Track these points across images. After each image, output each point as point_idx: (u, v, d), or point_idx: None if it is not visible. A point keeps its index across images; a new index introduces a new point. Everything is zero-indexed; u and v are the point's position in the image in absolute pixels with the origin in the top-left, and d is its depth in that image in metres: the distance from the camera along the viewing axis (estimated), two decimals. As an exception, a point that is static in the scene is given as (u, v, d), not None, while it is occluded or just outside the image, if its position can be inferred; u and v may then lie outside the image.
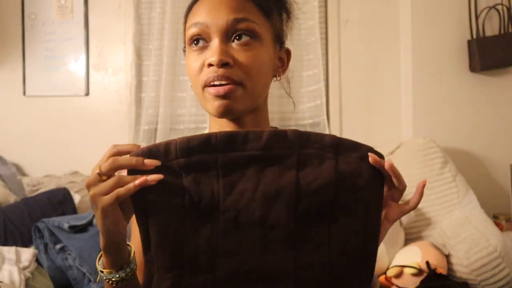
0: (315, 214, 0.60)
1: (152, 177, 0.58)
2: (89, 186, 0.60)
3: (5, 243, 1.75)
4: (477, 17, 2.39)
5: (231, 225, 0.59)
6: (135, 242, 0.72)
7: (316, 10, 2.49)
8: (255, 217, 0.59)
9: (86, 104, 2.63)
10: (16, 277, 1.35)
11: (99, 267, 0.67)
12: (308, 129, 2.54)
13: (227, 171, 0.59)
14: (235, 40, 0.71)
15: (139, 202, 0.59)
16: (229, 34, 0.72)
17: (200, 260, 0.59)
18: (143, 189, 0.58)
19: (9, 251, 1.45)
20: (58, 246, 1.66)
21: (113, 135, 2.59)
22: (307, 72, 2.53)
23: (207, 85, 0.70)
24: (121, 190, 0.58)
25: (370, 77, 2.55)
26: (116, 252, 0.64)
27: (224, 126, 0.77)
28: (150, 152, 0.59)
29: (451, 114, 2.44)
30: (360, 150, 0.61)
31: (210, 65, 0.70)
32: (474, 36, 2.38)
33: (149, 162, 0.58)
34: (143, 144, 2.51)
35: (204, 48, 0.73)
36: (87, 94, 2.63)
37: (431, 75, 2.44)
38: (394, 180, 0.63)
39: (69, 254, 1.64)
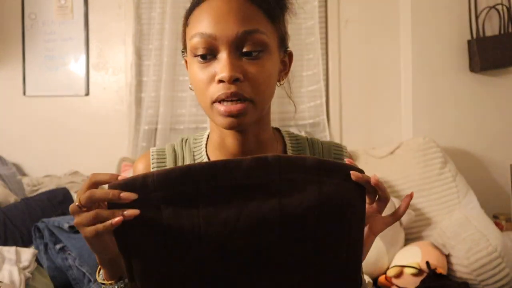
0: (301, 238, 0.60)
1: (129, 213, 0.56)
2: (72, 214, 0.60)
3: (5, 243, 1.75)
4: (477, 17, 2.39)
5: (215, 255, 0.59)
6: None
7: (316, 10, 2.49)
8: (239, 246, 0.58)
9: (86, 104, 2.63)
10: (16, 277, 1.35)
11: (99, 279, 0.68)
12: (308, 129, 2.54)
13: (208, 202, 0.58)
14: (245, 55, 0.69)
15: (120, 235, 0.58)
16: (238, 47, 0.68)
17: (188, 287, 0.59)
18: (123, 223, 0.57)
19: (9, 251, 1.45)
20: (58, 246, 1.66)
21: (113, 135, 2.59)
22: (307, 72, 2.53)
23: (217, 101, 0.68)
24: (99, 227, 0.57)
25: (370, 77, 2.55)
26: (112, 266, 0.65)
27: (226, 134, 0.76)
28: (126, 185, 0.57)
29: (451, 114, 2.44)
30: (341, 170, 0.61)
31: (220, 81, 0.67)
32: (474, 36, 2.38)
33: (125, 196, 0.57)
34: (143, 145, 2.53)
35: (210, 60, 0.69)
36: (87, 94, 2.63)
37: (431, 75, 2.44)
38: (380, 193, 0.64)
39: (69, 254, 1.64)
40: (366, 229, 0.66)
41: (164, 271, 0.59)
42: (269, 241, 0.59)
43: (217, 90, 0.68)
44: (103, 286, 0.68)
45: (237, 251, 0.59)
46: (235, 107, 0.67)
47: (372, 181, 0.62)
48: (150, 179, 0.57)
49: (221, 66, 0.67)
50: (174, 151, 0.83)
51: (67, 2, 2.61)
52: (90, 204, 0.58)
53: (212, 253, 0.59)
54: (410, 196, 0.66)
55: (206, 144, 0.82)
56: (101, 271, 0.68)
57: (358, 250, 0.63)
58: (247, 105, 0.68)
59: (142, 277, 0.59)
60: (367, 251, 0.67)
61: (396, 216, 0.67)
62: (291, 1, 0.79)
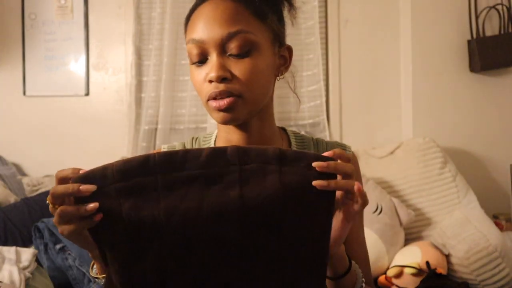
0: (264, 227, 0.59)
1: (89, 207, 0.57)
2: (51, 211, 0.62)
3: (5, 243, 1.75)
4: (477, 17, 2.39)
5: (178, 245, 0.59)
6: None
7: (316, 10, 2.49)
8: (202, 236, 0.58)
9: (86, 104, 2.63)
10: (16, 277, 1.35)
11: (92, 273, 0.71)
12: (308, 129, 2.54)
13: (167, 192, 0.58)
14: (232, 54, 0.73)
15: (91, 228, 0.59)
16: (225, 48, 0.73)
17: (149, 280, 0.59)
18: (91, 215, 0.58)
19: (9, 251, 1.45)
20: (58, 246, 1.66)
21: (113, 135, 2.59)
22: (307, 72, 2.53)
23: (209, 99, 0.74)
24: (81, 225, 0.58)
25: (370, 77, 2.55)
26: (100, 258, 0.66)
27: (231, 130, 0.81)
28: (86, 178, 0.57)
29: (451, 114, 2.44)
30: (305, 159, 0.59)
31: (210, 81, 0.73)
32: (474, 36, 2.38)
33: (84, 188, 0.57)
34: (143, 145, 2.53)
35: (203, 62, 0.76)
36: (87, 94, 2.63)
37: (431, 75, 2.44)
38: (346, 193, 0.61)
39: (69, 254, 1.64)
40: (337, 217, 0.63)
41: (128, 264, 0.59)
42: (231, 231, 0.59)
43: (209, 89, 0.74)
44: (96, 280, 0.70)
45: (200, 242, 0.59)
46: (222, 102, 0.73)
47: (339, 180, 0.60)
48: (109, 170, 0.57)
49: (210, 67, 0.74)
50: (185, 148, 0.86)
51: (67, 2, 2.61)
52: (55, 200, 0.59)
53: (175, 245, 0.58)
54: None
55: (215, 142, 0.86)
56: (94, 266, 0.71)
57: (325, 240, 0.61)
58: (235, 100, 0.73)
59: (111, 267, 0.60)
60: (341, 239, 0.65)
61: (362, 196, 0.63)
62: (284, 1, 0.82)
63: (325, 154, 0.60)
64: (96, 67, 2.63)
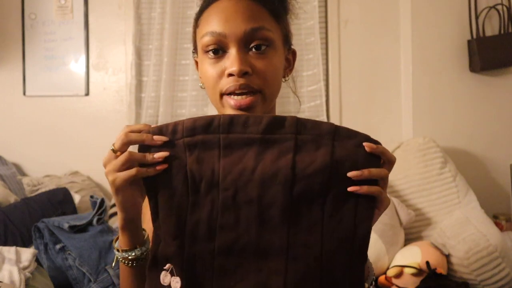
0: (309, 196, 0.62)
1: (159, 154, 0.62)
2: (105, 165, 0.65)
3: (5, 243, 1.75)
4: (477, 17, 2.39)
5: (230, 202, 0.63)
6: (146, 226, 0.76)
7: (316, 10, 2.49)
8: (252, 196, 0.62)
9: (86, 104, 2.63)
10: (16, 277, 1.35)
11: (116, 246, 0.72)
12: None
13: (227, 151, 0.63)
14: (253, 49, 0.73)
15: (148, 177, 0.64)
16: (246, 43, 0.73)
17: (201, 231, 0.63)
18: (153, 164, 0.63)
19: (9, 251, 1.45)
20: (58, 246, 1.66)
21: (113, 135, 2.56)
22: (307, 72, 2.53)
23: (226, 93, 0.73)
24: (140, 171, 0.62)
25: (370, 77, 2.55)
26: (132, 229, 0.69)
27: None
28: (159, 130, 0.64)
29: (451, 114, 2.44)
30: (356, 137, 0.63)
31: (230, 74, 0.72)
32: (474, 36, 2.38)
33: (158, 138, 0.63)
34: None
35: (221, 56, 0.74)
36: (87, 94, 2.63)
37: (431, 75, 2.44)
38: (385, 158, 0.64)
39: (69, 254, 1.64)
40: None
41: (183, 214, 0.64)
42: (279, 195, 0.62)
43: (227, 83, 0.72)
44: (117, 253, 0.71)
45: (248, 202, 0.63)
46: (244, 100, 0.72)
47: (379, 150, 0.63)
48: (179, 126, 0.64)
49: (231, 61, 0.72)
50: None
51: (67, 2, 2.61)
52: (125, 147, 0.64)
53: (227, 202, 0.63)
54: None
55: None
56: (117, 241, 0.72)
57: (367, 220, 0.63)
58: (256, 98, 0.73)
59: (163, 217, 0.64)
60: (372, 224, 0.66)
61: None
62: (293, 3, 0.84)
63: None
64: (96, 67, 2.63)
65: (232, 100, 0.72)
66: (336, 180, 0.62)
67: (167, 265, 0.64)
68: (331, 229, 0.63)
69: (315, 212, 0.63)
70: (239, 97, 0.72)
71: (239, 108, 0.72)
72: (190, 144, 0.63)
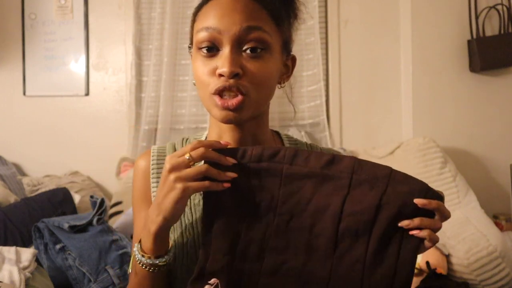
0: (354, 233, 0.66)
1: (230, 174, 0.66)
2: (173, 169, 0.65)
3: (5, 243, 1.75)
4: (477, 17, 2.39)
5: (283, 227, 0.67)
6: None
7: (316, 10, 2.50)
8: (305, 224, 0.67)
9: (86, 104, 2.63)
10: (16, 277, 1.35)
11: (137, 248, 0.71)
12: (308, 129, 2.54)
13: (288, 181, 0.67)
14: (247, 51, 0.71)
15: (211, 194, 0.68)
16: (240, 42, 0.71)
17: (252, 251, 0.67)
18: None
19: (9, 251, 1.45)
20: (58, 246, 1.66)
21: (113, 135, 2.59)
22: (307, 72, 2.53)
23: (215, 93, 0.71)
24: (213, 185, 0.65)
25: (370, 77, 2.55)
26: (165, 236, 0.69)
27: (225, 128, 0.78)
28: (231, 152, 0.68)
29: (451, 114, 2.44)
30: (411, 184, 0.66)
31: (220, 75, 0.70)
32: (474, 36, 2.38)
33: (230, 160, 0.67)
34: (143, 145, 2.53)
35: (214, 54, 0.72)
36: (87, 94, 2.63)
37: (431, 75, 2.44)
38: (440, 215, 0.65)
39: (69, 254, 1.64)
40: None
41: (238, 232, 0.67)
42: (326, 227, 0.66)
43: (216, 83, 0.71)
44: (141, 259, 0.70)
45: (300, 230, 0.67)
46: (231, 101, 0.70)
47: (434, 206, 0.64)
48: (249, 152, 0.68)
49: (223, 60, 0.70)
50: (175, 150, 0.84)
51: (67, 2, 2.61)
52: (201, 159, 0.66)
53: (279, 227, 0.67)
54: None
55: None
56: (140, 244, 0.71)
57: (409, 263, 0.65)
58: (244, 99, 0.70)
59: (218, 233, 0.67)
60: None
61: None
62: (300, 9, 0.83)
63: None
64: (96, 67, 2.63)
65: (219, 100, 0.70)
66: (382, 222, 0.65)
67: (213, 280, 0.66)
68: (372, 268, 0.65)
69: (358, 250, 0.65)
70: (227, 97, 0.70)
71: (226, 108, 0.70)
72: (255, 169, 0.68)
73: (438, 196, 0.66)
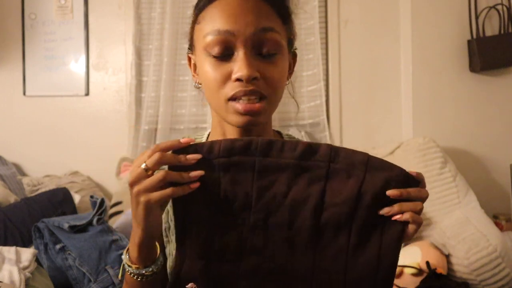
0: (336, 225, 0.63)
1: (195, 173, 0.60)
2: (133, 183, 0.61)
3: (5, 243, 1.75)
4: (477, 17, 2.39)
5: (260, 224, 0.63)
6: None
7: (316, 10, 2.49)
8: (283, 220, 0.63)
9: (86, 104, 2.63)
10: (16, 277, 1.35)
11: (125, 260, 0.68)
12: (308, 129, 2.54)
13: (262, 175, 0.63)
14: (261, 54, 0.69)
15: (179, 199, 0.63)
16: (254, 45, 0.68)
17: (229, 252, 0.64)
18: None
19: (9, 251, 1.45)
20: (58, 246, 1.66)
21: (113, 135, 2.59)
22: (307, 72, 2.53)
23: (233, 99, 0.68)
24: (177, 190, 0.60)
25: (370, 77, 2.55)
26: (150, 246, 0.66)
27: (231, 130, 0.76)
28: (195, 148, 0.63)
29: (451, 114, 2.44)
30: (388, 170, 0.63)
31: (237, 79, 0.67)
32: (474, 36, 2.38)
33: (192, 157, 0.61)
34: (143, 145, 2.53)
35: (226, 58, 0.69)
36: (87, 94, 2.63)
37: (431, 75, 2.44)
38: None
39: (69, 254, 1.64)
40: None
41: (212, 234, 0.63)
42: (307, 221, 0.63)
43: (234, 88, 0.68)
44: (129, 269, 0.67)
45: (278, 226, 0.63)
46: (253, 105, 0.68)
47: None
48: (217, 146, 0.63)
49: (239, 64, 0.67)
50: None
51: (67, 2, 2.61)
52: (158, 166, 0.60)
53: (256, 224, 0.63)
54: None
55: None
56: (128, 255, 0.68)
57: (392, 252, 0.63)
58: (264, 104, 0.69)
59: (191, 236, 0.63)
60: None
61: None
62: (294, 2, 0.80)
63: (412, 172, 0.64)
64: (96, 67, 2.63)
65: (239, 105, 0.67)
66: (363, 211, 0.63)
67: (190, 284, 0.64)
68: (355, 259, 0.63)
69: (341, 241, 0.63)
70: (247, 101, 0.67)
71: (248, 113, 0.67)
72: (225, 164, 0.62)
73: (415, 181, 0.65)
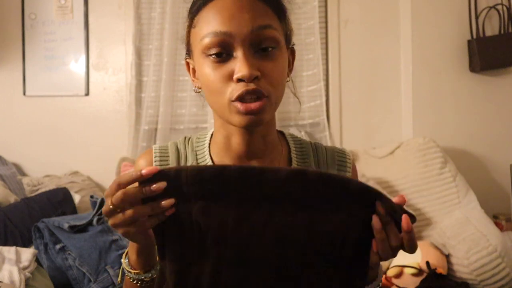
0: (322, 257, 0.59)
1: (166, 203, 0.58)
2: (106, 216, 0.60)
3: (5, 243, 1.75)
4: (477, 17, 2.39)
5: (237, 258, 0.59)
6: None
7: (316, 10, 2.49)
8: (263, 254, 0.59)
9: (86, 104, 2.63)
10: (16, 277, 1.35)
11: (125, 265, 0.70)
12: (308, 129, 2.54)
13: (239, 205, 0.58)
14: (260, 51, 0.68)
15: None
16: (253, 43, 0.68)
17: (204, 285, 0.60)
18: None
19: (9, 251, 1.45)
20: (58, 246, 1.66)
21: (113, 135, 2.59)
22: (307, 72, 2.53)
23: (236, 99, 0.67)
24: (150, 221, 0.59)
25: (370, 77, 2.55)
26: (148, 253, 0.68)
27: (235, 131, 0.75)
28: (160, 175, 0.58)
29: (451, 114, 2.45)
30: (370, 197, 0.58)
31: (239, 80, 0.66)
32: (474, 36, 2.38)
33: (157, 187, 0.57)
34: (143, 145, 2.53)
35: (225, 59, 0.68)
36: (87, 94, 2.63)
37: (431, 75, 2.44)
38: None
39: (69, 254, 1.64)
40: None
41: (185, 265, 0.60)
42: (292, 255, 0.59)
43: (236, 88, 0.67)
44: (128, 274, 0.70)
45: (259, 259, 0.59)
46: (254, 105, 0.67)
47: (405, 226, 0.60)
48: (184, 173, 0.57)
49: (239, 64, 0.66)
50: (177, 149, 0.81)
51: (67, 2, 2.61)
52: (123, 204, 0.58)
53: (235, 254, 0.59)
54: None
55: (210, 145, 0.81)
56: (127, 258, 0.70)
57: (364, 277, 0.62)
58: (265, 102, 0.68)
59: (169, 262, 0.60)
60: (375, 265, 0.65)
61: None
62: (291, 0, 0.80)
63: (396, 200, 0.59)
64: (96, 67, 2.63)
65: (241, 105, 0.67)
66: (347, 243, 0.59)
67: None
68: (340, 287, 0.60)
69: (326, 274, 0.60)
70: (249, 101, 0.67)
71: (249, 112, 0.67)
72: (196, 191, 0.58)
73: (392, 208, 0.59)
